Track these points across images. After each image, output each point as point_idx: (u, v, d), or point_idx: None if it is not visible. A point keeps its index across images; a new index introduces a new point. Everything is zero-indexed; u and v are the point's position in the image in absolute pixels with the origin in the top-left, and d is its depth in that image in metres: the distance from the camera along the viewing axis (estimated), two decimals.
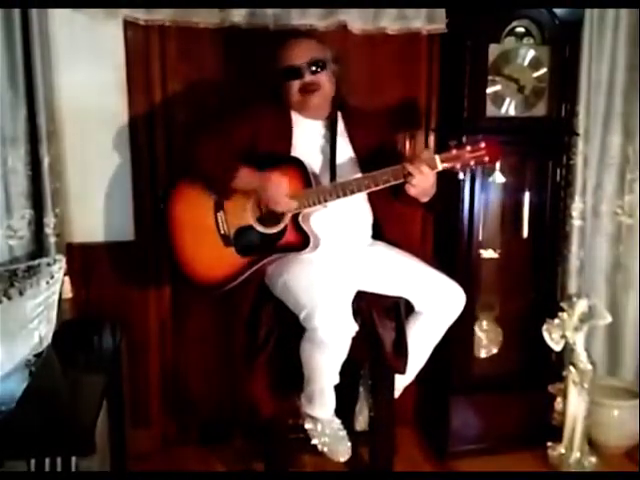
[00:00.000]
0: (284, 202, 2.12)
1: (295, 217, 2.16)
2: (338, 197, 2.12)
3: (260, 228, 2.18)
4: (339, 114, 2.29)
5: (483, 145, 2.08)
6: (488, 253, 2.61)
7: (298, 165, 2.14)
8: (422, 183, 2.06)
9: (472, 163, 2.08)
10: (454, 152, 2.08)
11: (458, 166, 2.09)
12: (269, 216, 2.18)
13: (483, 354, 2.69)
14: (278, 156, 2.18)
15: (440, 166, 2.07)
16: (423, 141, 2.73)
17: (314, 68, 2.18)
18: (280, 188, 2.11)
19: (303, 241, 2.16)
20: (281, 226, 2.17)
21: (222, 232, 2.20)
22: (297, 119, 2.26)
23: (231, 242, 2.20)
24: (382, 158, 2.18)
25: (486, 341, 2.68)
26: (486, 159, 2.09)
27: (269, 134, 2.20)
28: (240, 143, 2.18)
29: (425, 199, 2.15)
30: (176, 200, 2.23)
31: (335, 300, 2.03)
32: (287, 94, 2.21)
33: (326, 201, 2.13)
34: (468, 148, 2.08)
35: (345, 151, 2.26)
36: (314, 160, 2.22)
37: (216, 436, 2.78)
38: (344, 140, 2.27)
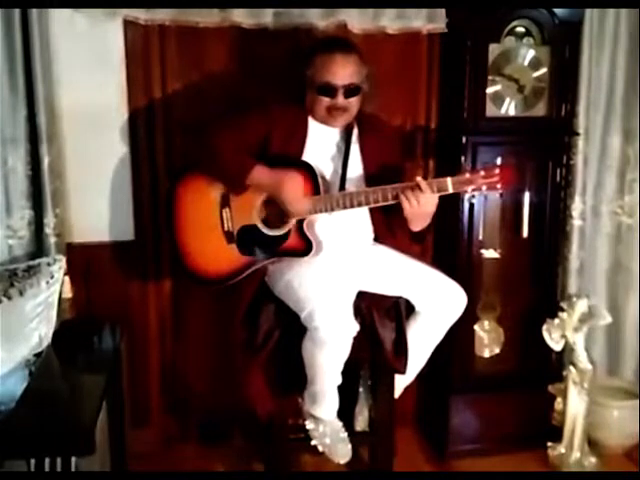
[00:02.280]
0: (298, 202, 2.11)
1: (299, 223, 2.15)
2: (345, 207, 2.11)
3: (264, 229, 2.18)
4: (355, 123, 2.26)
5: (497, 171, 2.08)
6: (489, 253, 2.61)
7: (308, 170, 2.13)
8: (424, 206, 2.05)
9: (484, 188, 2.08)
10: (467, 176, 2.08)
11: (469, 190, 2.09)
12: (274, 218, 2.18)
13: (486, 354, 2.68)
14: (289, 159, 2.17)
15: (451, 189, 2.07)
16: (422, 144, 2.72)
17: (349, 93, 2.15)
18: (296, 187, 2.10)
19: (305, 247, 2.16)
20: (285, 229, 2.16)
21: (226, 229, 2.20)
22: (313, 123, 2.24)
23: (234, 239, 2.20)
24: (387, 178, 2.16)
25: (488, 341, 2.68)
26: (499, 185, 2.08)
27: (283, 134, 2.19)
28: (254, 140, 2.17)
29: (416, 228, 2.14)
30: (182, 193, 2.23)
31: (336, 300, 2.03)
32: (313, 104, 2.19)
33: (333, 210, 2.12)
34: (482, 173, 2.08)
35: (354, 162, 2.24)
36: (324, 166, 2.21)
37: (216, 436, 2.78)
38: (355, 150, 2.25)
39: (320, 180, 2.13)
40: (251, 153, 2.15)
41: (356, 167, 2.25)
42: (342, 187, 2.19)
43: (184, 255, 2.24)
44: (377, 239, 2.33)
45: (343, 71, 2.14)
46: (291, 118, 2.22)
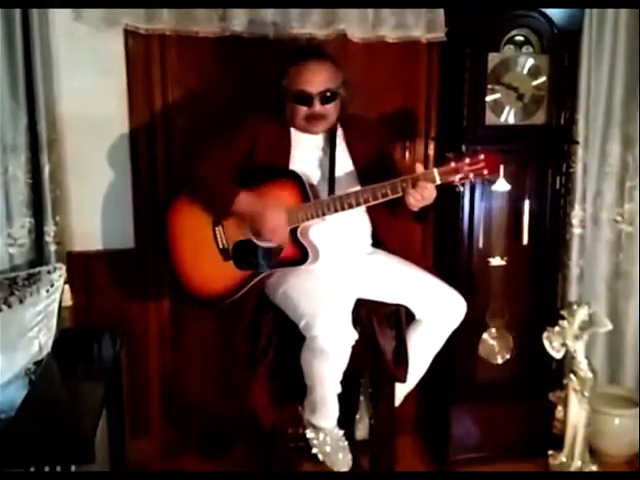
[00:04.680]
0: (280, 234, 2.11)
1: (293, 231, 2.15)
2: (336, 211, 2.11)
3: (259, 242, 2.18)
4: (338, 124, 2.27)
5: (482, 157, 2.06)
6: (496, 261, 2.60)
7: (296, 179, 2.14)
8: (428, 199, 2.06)
9: (471, 176, 2.07)
10: (452, 165, 2.07)
11: (457, 179, 2.07)
12: None
13: (499, 360, 2.67)
14: (276, 170, 2.17)
15: (439, 180, 2.06)
16: (422, 151, 2.74)
17: (325, 99, 2.16)
18: (277, 220, 2.10)
19: (302, 255, 2.16)
20: None
21: (221, 246, 2.20)
22: (295, 133, 2.24)
23: (230, 256, 2.20)
24: (379, 170, 2.17)
25: (498, 348, 2.67)
26: (485, 172, 2.07)
27: (267, 146, 2.19)
28: (238, 155, 2.18)
29: (417, 208, 2.14)
30: (175, 214, 2.24)
31: (335, 308, 2.03)
32: (292, 114, 2.20)
33: (324, 215, 2.12)
34: (467, 160, 2.07)
35: (343, 162, 2.25)
36: (312, 173, 2.21)
37: (216, 446, 2.77)
38: (343, 150, 2.26)
39: (308, 187, 2.13)
40: (237, 170, 2.16)
41: (347, 167, 2.25)
42: (331, 190, 2.18)
43: (181, 277, 2.24)
44: (378, 240, 2.33)
45: (316, 78, 2.15)
46: (274, 130, 2.22)
